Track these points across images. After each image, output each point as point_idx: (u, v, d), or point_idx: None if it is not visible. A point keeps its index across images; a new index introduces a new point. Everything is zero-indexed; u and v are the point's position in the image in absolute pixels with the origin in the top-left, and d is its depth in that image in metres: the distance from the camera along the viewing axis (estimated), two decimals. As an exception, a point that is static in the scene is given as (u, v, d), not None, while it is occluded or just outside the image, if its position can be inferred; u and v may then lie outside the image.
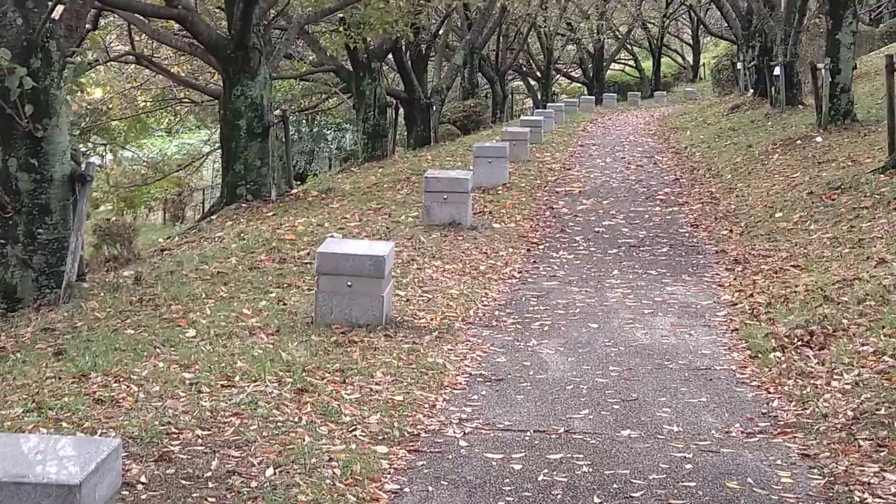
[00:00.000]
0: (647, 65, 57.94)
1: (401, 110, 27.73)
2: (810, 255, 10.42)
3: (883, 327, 7.45)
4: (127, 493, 4.81)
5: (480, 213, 14.06)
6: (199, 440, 5.57)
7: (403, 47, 26.02)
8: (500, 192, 15.91)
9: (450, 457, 5.74)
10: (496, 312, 9.30)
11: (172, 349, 7.36)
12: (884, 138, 14.36)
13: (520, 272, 11.08)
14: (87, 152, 28.73)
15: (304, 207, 14.97)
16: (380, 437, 5.93)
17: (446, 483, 5.37)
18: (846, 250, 10.17)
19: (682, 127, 27.52)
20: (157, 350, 7.34)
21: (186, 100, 31.32)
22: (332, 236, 11.20)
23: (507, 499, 5.18)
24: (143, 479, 5.00)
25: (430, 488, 5.30)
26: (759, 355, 7.61)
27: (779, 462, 5.63)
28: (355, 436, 5.90)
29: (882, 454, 5.51)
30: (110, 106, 29.52)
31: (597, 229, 13.56)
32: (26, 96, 9.84)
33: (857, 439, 5.73)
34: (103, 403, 6.05)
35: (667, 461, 5.67)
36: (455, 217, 12.93)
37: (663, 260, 11.64)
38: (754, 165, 16.92)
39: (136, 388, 6.35)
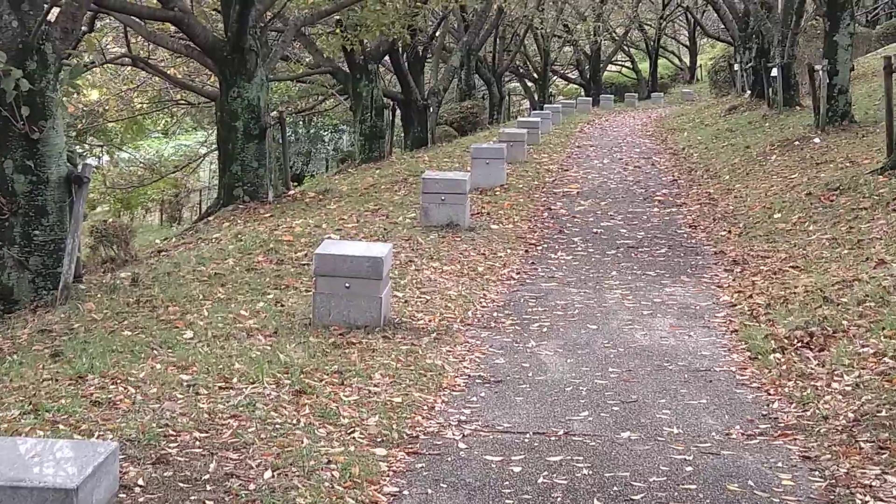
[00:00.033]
0: (644, 66, 57.99)
1: (398, 112, 27.73)
2: (809, 256, 10.40)
3: (883, 328, 7.43)
4: (124, 496, 4.77)
5: (478, 214, 14.04)
6: (197, 442, 5.54)
7: (400, 49, 26.01)
8: (497, 193, 15.89)
9: (449, 459, 5.71)
10: (495, 314, 9.27)
11: (170, 351, 7.33)
12: (882, 139, 14.36)
13: (518, 273, 11.05)
14: (84, 154, 28.70)
15: (302, 209, 14.95)
16: (378, 440, 5.90)
17: (445, 485, 5.34)
18: (845, 251, 10.16)
19: (679, 128, 27.52)
20: (155, 352, 7.31)
21: (183, 101, 31.30)
22: (329, 238, 11.17)
23: (507, 501, 5.15)
24: (140, 481, 4.96)
25: (430, 491, 5.28)
26: (759, 357, 7.59)
27: (779, 464, 5.61)
28: (354, 438, 5.87)
29: (883, 456, 5.49)
30: (107, 108, 29.48)
31: (595, 230, 13.54)
32: (22, 98, 9.81)
33: (858, 441, 5.71)
34: (100, 405, 6.01)
35: (667, 463, 5.65)
36: (453, 218, 12.90)
37: (662, 261, 11.62)
38: (752, 166, 16.91)
39: (133, 389, 6.32)
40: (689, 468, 5.57)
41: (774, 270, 10.11)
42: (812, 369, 7.06)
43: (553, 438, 6.06)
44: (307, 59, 26.72)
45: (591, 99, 43.60)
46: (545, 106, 36.61)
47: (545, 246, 12.59)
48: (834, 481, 5.31)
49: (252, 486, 5.04)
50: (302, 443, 5.64)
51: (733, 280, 10.29)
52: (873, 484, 5.20)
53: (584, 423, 6.35)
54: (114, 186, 33.09)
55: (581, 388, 7.07)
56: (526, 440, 6.03)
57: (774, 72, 23.09)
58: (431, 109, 27.48)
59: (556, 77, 54.76)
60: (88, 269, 11.72)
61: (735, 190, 15.47)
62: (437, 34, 30.96)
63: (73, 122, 25.86)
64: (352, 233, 12.20)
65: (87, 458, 3.75)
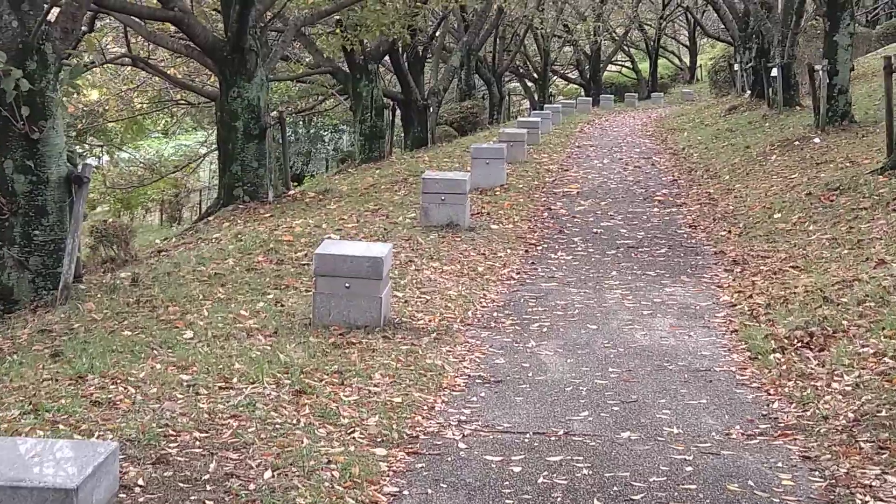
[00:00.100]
0: (644, 66, 57.99)
1: (398, 112, 27.72)
2: (809, 256, 10.40)
3: (883, 328, 7.43)
4: (124, 496, 4.77)
5: (478, 214, 14.04)
6: (197, 442, 5.54)
7: (400, 49, 26.01)
8: (497, 193, 15.89)
9: (449, 459, 5.71)
10: (495, 314, 9.27)
11: (170, 351, 7.33)
12: (882, 139, 14.36)
13: (518, 273, 11.05)
14: (84, 154, 28.69)
15: (302, 209, 14.94)
16: (379, 440, 5.90)
17: (445, 486, 5.34)
18: (845, 251, 10.15)
19: (679, 128, 27.51)
20: (155, 352, 7.30)
21: (183, 101, 31.30)
22: (329, 238, 11.17)
23: (507, 501, 5.15)
24: (140, 481, 4.96)
25: (430, 491, 5.28)
26: (759, 357, 7.58)
27: (779, 464, 5.61)
28: (354, 438, 5.87)
29: (883, 456, 5.48)
30: (107, 108, 29.48)
31: (595, 230, 13.54)
32: (22, 98, 9.80)
33: (858, 441, 5.71)
34: (100, 405, 6.01)
35: (667, 463, 5.64)
36: (453, 218, 12.90)
37: (662, 261, 11.62)
38: (752, 166, 16.91)
39: (133, 389, 6.31)
40: (689, 468, 5.57)
41: (774, 270, 10.11)
42: (812, 369, 7.06)
43: (553, 438, 6.06)
44: (307, 59, 26.72)
45: (591, 99, 43.59)
46: (545, 106, 36.62)
47: (545, 246, 12.59)
48: (834, 481, 5.31)
49: (252, 486, 5.03)
50: (302, 443, 5.64)
51: (733, 280, 10.29)
52: (873, 484, 5.20)
53: (584, 423, 6.35)
54: (114, 186, 33.09)
55: (581, 388, 7.07)
56: (526, 440, 6.03)
57: (774, 72, 23.09)
58: (431, 109, 27.48)
59: (555, 77, 54.76)
60: (88, 269, 11.72)
61: (735, 190, 15.46)
62: (437, 34, 30.97)
63: (74, 122, 25.87)
64: (352, 233, 12.19)
65: (87, 458, 3.75)
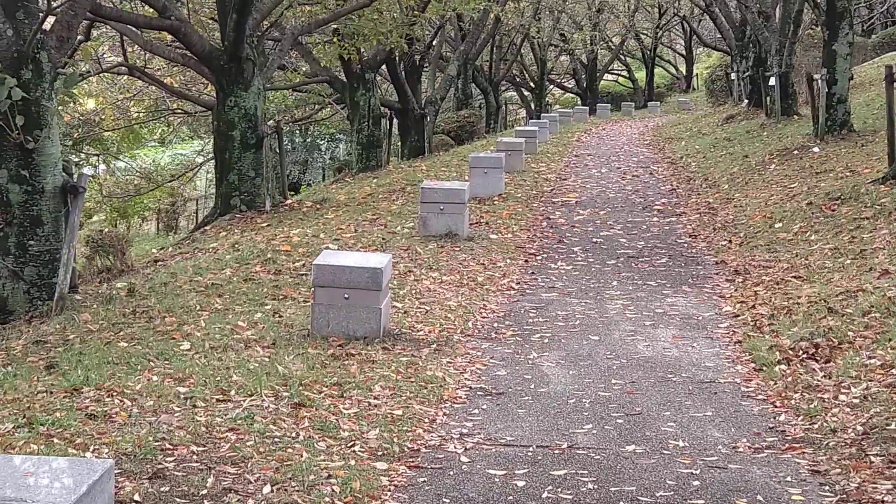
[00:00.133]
0: (641, 75, 58.06)
1: (395, 121, 27.66)
2: (812, 265, 10.31)
3: (889, 339, 7.33)
4: (120, 512, 4.67)
5: (477, 223, 13.95)
6: (195, 456, 5.43)
7: (397, 58, 25.94)
8: (496, 202, 15.81)
9: (451, 473, 5.61)
10: (495, 324, 9.18)
11: (166, 362, 7.23)
12: (881, 148, 14.30)
13: (518, 283, 10.96)
14: (80, 163, 28.57)
15: (299, 218, 14.85)
16: (379, 453, 5.80)
17: (448, 500, 5.24)
18: (848, 261, 10.06)
19: (676, 137, 27.47)
20: (151, 363, 7.20)
21: (179, 110, 31.20)
22: (327, 248, 11.07)
23: (512, 517, 5.05)
24: (136, 497, 4.86)
25: (432, 506, 5.17)
26: (764, 368, 7.49)
27: (788, 478, 5.51)
28: (354, 451, 5.77)
29: (894, 471, 5.39)
30: (103, 117, 29.41)
31: (594, 240, 13.45)
32: (17, 108, 9.73)
33: (868, 455, 5.61)
34: (96, 418, 5.91)
35: (674, 477, 5.54)
36: (452, 228, 12.82)
37: (662, 271, 11.53)
38: (751, 176, 16.84)
39: (129, 402, 6.21)
40: (697, 482, 5.47)
41: (777, 280, 10.02)
42: (818, 381, 6.96)
43: (557, 452, 5.95)
44: (304, 69, 26.66)
45: (587, 108, 43.59)
46: (542, 115, 36.58)
47: (545, 255, 12.50)
48: (845, 496, 5.20)
49: (251, 502, 4.93)
50: (301, 456, 5.54)
51: (735, 290, 10.20)
52: (885, 499, 5.09)
53: (588, 436, 6.25)
54: (110, 195, 32.98)
55: (584, 400, 6.97)
56: (529, 454, 5.93)
57: (772, 81, 23.06)
58: (428, 118, 27.41)
59: (552, 86, 54.78)
60: (84, 280, 11.61)
61: (734, 199, 15.39)
62: (434, 43, 30.91)
63: (69, 132, 25.79)
64: (350, 242, 12.10)
65: (82, 476, 3.65)
